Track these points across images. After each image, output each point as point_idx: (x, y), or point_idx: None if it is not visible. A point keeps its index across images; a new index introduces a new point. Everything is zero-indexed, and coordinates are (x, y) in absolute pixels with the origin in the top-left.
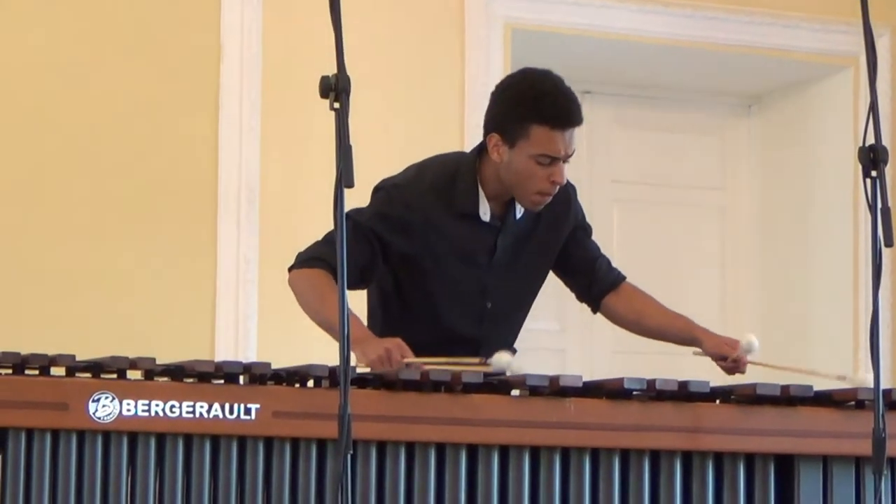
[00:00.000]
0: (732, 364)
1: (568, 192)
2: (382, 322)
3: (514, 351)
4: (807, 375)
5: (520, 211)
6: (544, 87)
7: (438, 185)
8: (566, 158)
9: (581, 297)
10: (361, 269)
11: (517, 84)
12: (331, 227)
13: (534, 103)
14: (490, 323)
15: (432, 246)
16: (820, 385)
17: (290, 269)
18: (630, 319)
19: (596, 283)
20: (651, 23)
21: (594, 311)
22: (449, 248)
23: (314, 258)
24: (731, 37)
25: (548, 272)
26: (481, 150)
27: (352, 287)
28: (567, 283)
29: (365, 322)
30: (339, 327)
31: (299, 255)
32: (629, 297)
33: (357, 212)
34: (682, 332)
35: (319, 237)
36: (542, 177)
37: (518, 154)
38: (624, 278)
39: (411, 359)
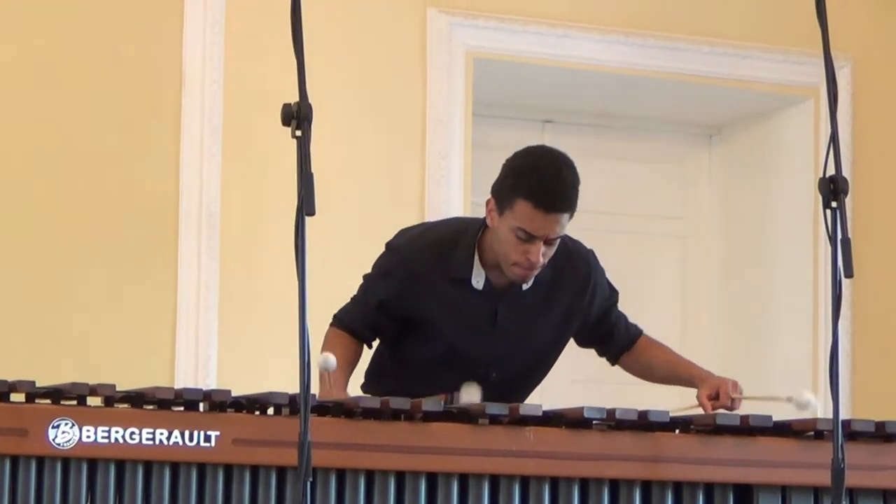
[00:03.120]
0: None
1: (589, 261)
2: (381, 381)
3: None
4: (760, 402)
5: (527, 283)
6: (543, 164)
7: (438, 246)
8: (547, 240)
9: (600, 355)
10: (372, 328)
11: (523, 156)
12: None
13: (525, 178)
14: (493, 390)
15: (426, 304)
16: (771, 408)
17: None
18: (641, 373)
19: (613, 345)
20: (612, 52)
21: (612, 364)
22: (444, 311)
23: (335, 317)
24: (692, 67)
25: (565, 341)
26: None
27: (371, 342)
28: (588, 346)
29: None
30: (299, 354)
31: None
32: (639, 352)
33: (370, 273)
34: (683, 378)
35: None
36: (519, 251)
37: (503, 223)
38: (639, 335)
39: None
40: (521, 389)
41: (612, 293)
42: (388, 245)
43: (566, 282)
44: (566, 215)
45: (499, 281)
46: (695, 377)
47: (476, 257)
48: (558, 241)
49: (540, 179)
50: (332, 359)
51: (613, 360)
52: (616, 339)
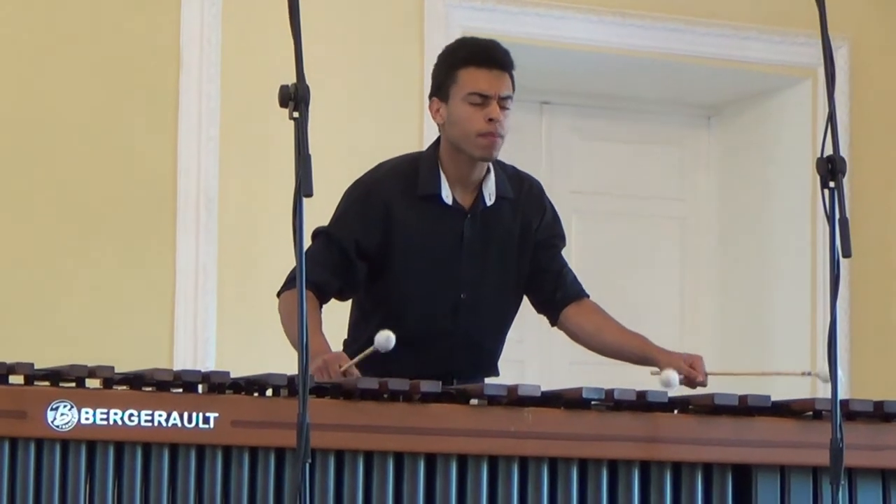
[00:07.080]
0: (689, 382)
1: (540, 190)
2: (364, 327)
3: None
4: (771, 378)
5: (489, 198)
6: (468, 38)
7: (399, 170)
8: (500, 101)
9: (542, 307)
10: (341, 277)
11: (445, 48)
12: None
13: (458, 50)
14: (466, 315)
15: (396, 233)
16: (787, 384)
17: (278, 295)
18: (588, 332)
19: (561, 290)
20: (610, 34)
21: (553, 322)
22: (413, 235)
23: (286, 282)
24: (691, 48)
25: (525, 267)
26: (439, 138)
27: (340, 297)
28: (531, 290)
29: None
30: (298, 336)
31: (286, 278)
32: (590, 311)
33: (328, 224)
34: (639, 351)
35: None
36: (479, 117)
37: (453, 104)
38: (587, 294)
39: (346, 365)
40: (494, 312)
41: (561, 234)
42: (349, 188)
43: (524, 201)
44: (507, 75)
45: (464, 198)
46: (653, 351)
47: (441, 171)
48: (510, 108)
49: (472, 45)
50: (392, 338)
51: (556, 314)
52: (565, 284)
